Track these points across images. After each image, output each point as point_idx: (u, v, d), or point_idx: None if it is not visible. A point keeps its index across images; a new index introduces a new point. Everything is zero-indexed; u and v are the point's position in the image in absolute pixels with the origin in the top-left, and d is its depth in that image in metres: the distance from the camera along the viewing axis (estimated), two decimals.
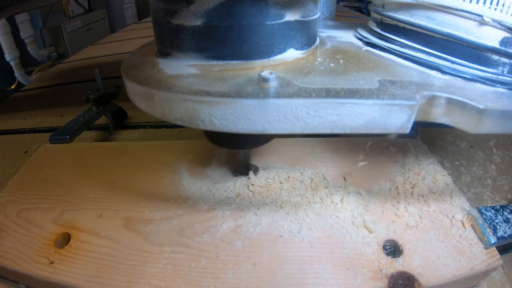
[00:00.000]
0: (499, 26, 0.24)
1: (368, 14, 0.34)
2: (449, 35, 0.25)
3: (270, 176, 0.38)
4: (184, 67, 0.26)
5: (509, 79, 0.25)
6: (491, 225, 0.30)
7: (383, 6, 0.29)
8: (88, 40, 1.63)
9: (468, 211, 0.33)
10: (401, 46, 0.28)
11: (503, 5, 0.23)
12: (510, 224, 0.30)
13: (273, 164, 0.41)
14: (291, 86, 0.23)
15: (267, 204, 0.35)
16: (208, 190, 0.37)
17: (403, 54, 0.28)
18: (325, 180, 0.37)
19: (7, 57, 1.39)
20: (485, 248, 0.30)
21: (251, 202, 0.35)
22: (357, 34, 0.33)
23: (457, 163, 0.47)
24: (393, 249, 0.30)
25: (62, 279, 0.29)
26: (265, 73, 0.23)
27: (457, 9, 0.24)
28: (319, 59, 0.28)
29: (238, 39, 0.25)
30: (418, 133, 0.45)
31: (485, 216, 0.31)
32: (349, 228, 0.32)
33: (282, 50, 0.26)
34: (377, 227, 0.32)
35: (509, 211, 0.32)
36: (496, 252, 0.29)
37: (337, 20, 0.43)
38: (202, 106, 0.22)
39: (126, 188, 0.38)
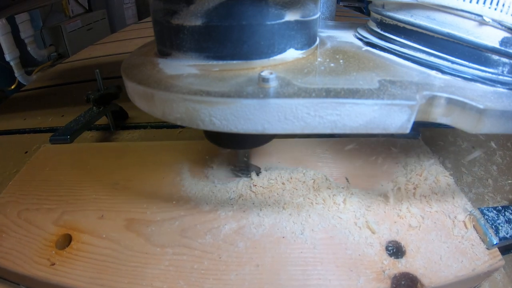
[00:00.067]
0: (499, 26, 0.24)
1: (368, 14, 0.34)
2: (449, 35, 0.25)
3: (272, 177, 0.38)
4: (184, 67, 0.26)
5: (509, 79, 0.25)
6: (493, 226, 0.30)
7: (383, 6, 0.29)
8: (88, 40, 1.63)
9: (470, 211, 0.33)
10: (401, 46, 0.28)
11: (503, 5, 0.23)
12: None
13: (275, 165, 0.41)
14: (291, 86, 0.23)
15: (269, 205, 0.35)
16: (210, 191, 0.37)
17: (403, 54, 0.28)
18: (328, 181, 0.37)
19: (7, 57, 1.39)
20: (487, 248, 0.30)
21: (253, 203, 0.35)
22: (357, 34, 0.33)
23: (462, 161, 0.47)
24: (395, 250, 0.30)
25: (63, 280, 0.29)
26: (265, 73, 0.23)
27: (457, 9, 0.24)
28: (319, 59, 0.28)
29: (238, 39, 0.25)
30: (420, 134, 0.45)
31: (487, 217, 0.31)
32: (351, 229, 0.32)
33: (282, 50, 0.26)
34: (380, 228, 0.32)
35: (511, 211, 0.32)
36: (498, 252, 0.29)
37: (337, 20, 0.43)
38: (202, 106, 0.22)
39: (127, 188, 0.38)
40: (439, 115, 0.24)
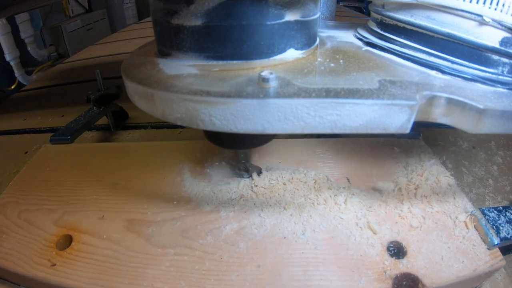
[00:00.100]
0: (499, 26, 0.24)
1: (368, 14, 0.34)
2: (449, 35, 0.25)
3: (273, 177, 0.38)
4: (184, 67, 0.26)
5: (509, 79, 0.25)
6: (494, 226, 0.30)
7: (383, 6, 0.29)
8: (88, 40, 1.63)
9: (471, 212, 0.33)
10: (401, 46, 0.28)
11: (503, 5, 0.23)
12: None
13: (276, 165, 0.40)
14: (291, 86, 0.23)
15: (270, 206, 0.35)
16: (211, 191, 0.37)
17: (403, 54, 0.28)
18: (329, 181, 0.37)
19: (7, 57, 1.39)
20: (488, 249, 0.30)
21: (254, 204, 0.35)
22: (357, 34, 0.33)
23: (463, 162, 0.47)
24: (397, 250, 0.30)
25: (64, 281, 0.29)
26: (265, 73, 0.23)
27: (457, 9, 0.24)
28: (319, 59, 0.28)
29: (238, 39, 0.25)
30: (421, 134, 0.45)
31: (488, 217, 0.31)
32: (353, 229, 0.32)
33: (282, 50, 0.26)
34: (381, 228, 0.32)
35: (511, 212, 0.32)
36: (499, 253, 0.29)
37: (337, 20, 0.43)
38: (202, 106, 0.22)
39: (128, 189, 0.38)
40: (439, 115, 0.24)
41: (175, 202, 0.36)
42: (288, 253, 0.30)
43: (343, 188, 0.37)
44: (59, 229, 0.34)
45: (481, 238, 0.30)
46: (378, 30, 0.30)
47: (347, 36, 0.34)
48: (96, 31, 2.07)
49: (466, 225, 0.32)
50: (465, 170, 0.46)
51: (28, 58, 1.58)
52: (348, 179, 0.38)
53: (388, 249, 0.30)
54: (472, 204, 0.34)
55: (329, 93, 0.22)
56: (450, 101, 0.23)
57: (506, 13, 0.23)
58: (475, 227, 0.31)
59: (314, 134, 0.46)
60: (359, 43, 0.32)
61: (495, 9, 0.23)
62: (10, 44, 1.36)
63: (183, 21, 0.25)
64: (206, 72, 0.25)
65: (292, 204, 0.35)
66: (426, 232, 0.31)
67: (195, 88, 0.23)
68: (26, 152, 0.56)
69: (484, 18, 0.24)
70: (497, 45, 0.24)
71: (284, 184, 0.37)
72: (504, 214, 0.31)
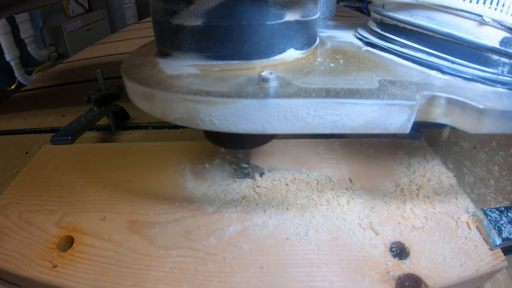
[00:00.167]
0: (499, 26, 0.24)
1: (368, 14, 0.34)
2: (449, 35, 0.25)
3: (276, 178, 0.37)
4: (184, 67, 0.26)
5: (509, 79, 0.25)
6: (496, 227, 0.30)
7: (383, 6, 0.29)
8: (88, 40, 1.63)
9: (473, 212, 0.33)
10: (401, 46, 0.28)
11: (503, 5, 0.23)
12: None
13: (279, 166, 0.40)
14: (291, 86, 0.23)
15: (273, 206, 0.35)
16: (213, 192, 0.37)
17: (403, 54, 0.28)
18: (331, 182, 0.37)
19: (7, 57, 1.38)
20: (490, 249, 0.30)
21: (257, 204, 0.35)
22: (357, 34, 0.33)
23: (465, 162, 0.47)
24: (399, 251, 0.30)
25: (65, 283, 0.29)
26: (265, 73, 0.23)
27: (457, 9, 0.24)
28: (319, 59, 0.28)
29: (238, 39, 0.25)
30: (423, 134, 0.45)
31: (490, 218, 0.31)
32: (355, 230, 0.32)
33: (282, 50, 0.26)
34: (384, 229, 0.32)
35: None
36: (501, 253, 0.29)
37: (337, 20, 0.43)
38: (202, 106, 0.22)
39: (129, 190, 0.38)
40: (439, 115, 0.24)
41: (177, 203, 0.36)
42: (291, 254, 0.30)
43: (346, 188, 0.36)
44: (60, 230, 0.33)
45: (483, 238, 0.30)
46: (378, 30, 0.30)
47: (347, 36, 0.34)
48: (96, 31, 2.07)
49: (468, 225, 0.32)
50: (467, 171, 0.46)
51: (28, 58, 1.59)
52: (350, 180, 0.38)
53: (390, 249, 0.30)
54: (473, 204, 0.34)
55: (329, 93, 0.22)
56: (450, 101, 0.23)
57: (506, 13, 0.23)
58: (477, 227, 0.31)
59: (315, 134, 0.46)
60: (359, 43, 0.32)
61: (495, 9, 0.23)
62: (10, 44, 1.36)
63: (183, 21, 0.25)
64: (206, 72, 0.25)
65: (294, 205, 0.35)
66: (428, 233, 0.31)
67: (195, 88, 0.23)
68: (27, 153, 0.56)
69: (484, 18, 0.24)
70: (497, 45, 0.24)
71: (287, 184, 0.37)
72: (506, 215, 0.31)
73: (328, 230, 0.32)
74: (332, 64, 0.27)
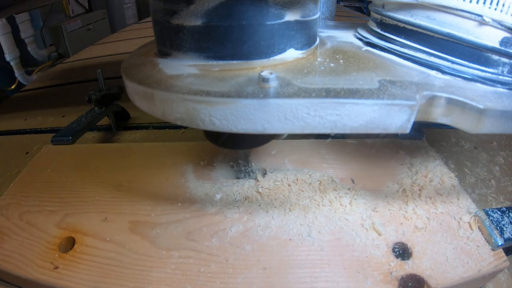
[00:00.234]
0: (499, 26, 0.24)
1: (368, 14, 0.34)
2: (449, 35, 0.25)
3: (278, 179, 0.37)
4: (184, 67, 0.26)
5: (509, 79, 0.25)
6: (498, 227, 0.30)
7: (383, 6, 0.29)
8: (88, 40, 1.63)
9: (475, 213, 0.33)
10: (401, 46, 0.28)
11: (503, 5, 0.23)
12: None
13: (281, 166, 0.40)
14: (291, 86, 0.23)
15: (276, 207, 0.35)
16: (215, 193, 0.37)
17: (403, 54, 0.28)
18: (334, 182, 0.37)
19: (7, 57, 1.39)
20: (492, 249, 0.30)
21: (259, 205, 0.35)
22: (357, 34, 0.33)
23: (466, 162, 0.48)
24: (402, 252, 0.30)
25: (67, 284, 0.29)
26: (265, 73, 0.23)
27: (457, 9, 0.24)
28: (319, 59, 0.28)
29: (238, 39, 0.25)
30: (424, 135, 0.45)
31: (492, 218, 0.31)
32: (358, 230, 0.32)
33: (282, 50, 0.26)
34: (386, 229, 0.32)
35: None
36: (503, 253, 0.29)
37: (337, 20, 0.43)
38: (202, 106, 0.22)
39: (131, 190, 0.38)
40: (439, 115, 0.24)
41: (179, 204, 0.36)
42: (294, 254, 0.30)
43: (348, 189, 0.36)
44: (62, 231, 0.33)
45: (485, 239, 0.30)
46: (378, 30, 0.30)
47: (347, 36, 0.34)
48: (96, 31, 2.08)
49: (470, 226, 0.32)
50: (468, 171, 0.46)
51: (28, 58, 1.59)
52: (352, 180, 0.38)
53: (393, 250, 0.30)
54: (475, 205, 0.34)
55: (329, 93, 0.22)
56: (450, 101, 0.23)
57: (506, 13, 0.23)
58: (479, 228, 0.31)
59: (316, 134, 0.46)
60: (359, 43, 0.32)
61: (495, 9, 0.23)
62: (10, 44, 1.37)
63: (183, 21, 0.25)
64: (206, 72, 0.25)
65: (297, 205, 0.34)
66: (431, 233, 0.31)
67: (195, 88, 0.23)
68: (27, 153, 0.56)
69: (484, 18, 0.24)
70: (497, 45, 0.24)
71: (289, 185, 0.37)
72: (507, 215, 0.31)
73: (331, 231, 0.32)
74: (332, 64, 0.27)
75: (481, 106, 0.22)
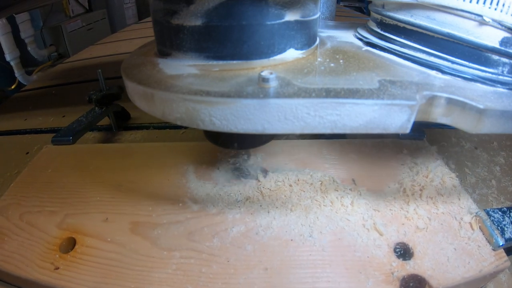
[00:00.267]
0: (499, 26, 0.24)
1: (368, 14, 0.34)
2: (449, 35, 0.25)
3: (279, 179, 0.37)
4: (184, 67, 0.26)
5: (509, 79, 0.25)
6: (499, 227, 0.30)
7: (383, 6, 0.29)
8: (88, 40, 1.63)
9: (476, 213, 0.33)
10: (401, 46, 0.28)
11: (503, 5, 0.23)
12: None
13: (282, 167, 0.40)
14: (291, 86, 0.23)
15: (277, 207, 0.34)
16: (216, 193, 0.37)
17: (403, 54, 0.28)
18: (335, 182, 0.37)
19: (7, 57, 1.39)
20: (493, 250, 0.30)
21: (261, 205, 0.35)
22: (357, 34, 0.33)
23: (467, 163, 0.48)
24: (403, 252, 0.30)
25: (68, 285, 0.28)
26: (265, 73, 0.23)
27: (457, 9, 0.24)
28: (319, 59, 0.28)
29: (238, 39, 0.25)
30: (425, 135, 0.45)
31: (493, 218, 0.31)
32: (360, 231, 0.32)
33: (282, 50, 0.26)
34: (388, 229, 0.32)
35: None
36: (504, 253, 0.29)
37: (337, 20, 0.43)
38: (202, 106, 0.22)
39: (132, 191, 0.38)
40: (439, 115, 0.24)
41: (180, 204, 0.36)
42: (296, 255, 0.30)
43: (349, 189, 0.36)
44: (62, 231, 0.33)
45: (486, 239, 0.30)
46: (378, 30, 0.30)
47: (347, 36, 0.34)
48: (96, 31, 2.08)
49: (471, 226, 0.32)
50: (468, 171, 0.46)
51: (28, 58, 1.59)
52: (353, 181, 0.38)
53: (394, 250, 0.30)
54: (476, 205, 0.34)
55: (329, 93, 0.22)
56: (450, 101, 0.23)
57: (506, 13, 0.23)
58: (480, 228, 0.31)
59: (318, 134, 0.46)
60: (359, 43, 0.32)
61: (495, 9, 0.23)
62: (10, 44, 1.37)
63: (183, 21, 0.25)
64: (206, 72, 0.25)
65: (298, 205, 0.34)
66: (432, 233, 0.31)
67: (195, 88, 0.23)
68: (27, 153, 0.56)
69: (484, 18, 0.24)
70: (497, 45, 0.24)
71: (290, 185, 0.37)
72: (508, 215, 0.31)
73: (332, 231, 0.32)
74: (332, 64, 0.27)
75: (481, 106, 0.22)
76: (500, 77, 0.25)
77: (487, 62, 0.25)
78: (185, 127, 0.59)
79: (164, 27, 0.26)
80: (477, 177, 0.45)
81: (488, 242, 0.30)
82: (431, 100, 0.23)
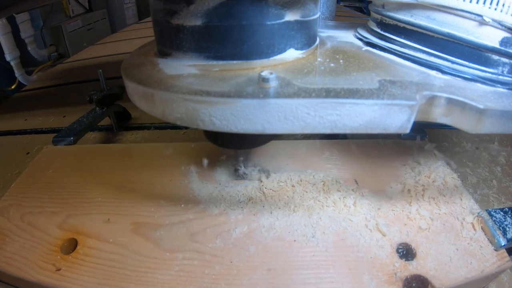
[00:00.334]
0: (499, 26, 0.24)
1: (368, 14, 0.34)
2: (449, 35, 0.25)
3: (282, 180, 0.37)
4: (184, 67, 0.26)
5: (509, 79, 0.25)
6: (500, 227, 0.30)
7: (383, 6, 0.29)
8: (88, 40, 1.63)
9: (477, 213, 0.33)
10: (401, 46, 0.28)
11: (503, 5, 0.23)
12: None
13: (285, 167, 0.40)
14: (291, 86, 0.23)
15: (280, 208, 0.34)
16: (219, 194, 0.36)
17: (403, 54, 0.28)
18: (337, 183, 0.37)
19: (8, 57, 1.39)
20: (495, 250, 0.30)
21: (263, 206, 0.35)
22: (357, 34, 0.33)
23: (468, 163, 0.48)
24: (406, 252, 0.30)
25: (70, 286, 0.28)
26: (265, 73, 0.23)
27: (457, 9, 0.24)
28: (319, 59, 0.28)
29: (238, 39, 0.25)
30: (427, 135, 0.45)
31: (495, 218, 0.31)
32: (362, 231, 0.32)
33: (282, 50, 0.26)
34: (390, 230, 0.32)
35: None
36: (506, 254, 0.29)
37: (337, 20, 0.43)
38: (202, 106, 0.22)
39: (133, 191, 0.38)
40: (439, 115, 0.24)
41: (182, 205, 0.35)
42: (299, 255, 0.30)
43: (352, 190, 0.36)
44: (64, 232, 0.33)
45: (488, 239, 0.30)
46: (378, 30, 0.30)
47: (347, 36, 0.34)
48: (96, 31, 2.08)
49: (473, 226, 0.32)
50: (469, 171, 0.46)
51: (28, 58, 1.59)
52: (356, 181, 0.38)
53: (397, 251, 0.30)
54: (477, 205, 0.34)
55: (329, 93, 0.22)
56: (450, 101, 0.23)
57: (506, 13, 0.23)
58: (482, 228, 0.31)
59: (319, 135, 0.46)
60: (359, 43, 0.32)
61: (495, 9, 0.23)
62: (10, 44, 1.37)
63: (183, 21, 0.25)
64: (206, 72, 0.25)
65: (301, 206, 0.34)
66: (434, 234, 0.31)
67: (195, 88, 0.23)
68: (28, 153, 0.56)
69: (484, 18, 0.24)
70: (497, 45, 0.24)
71: (293, 186, 0.37)
72: (510, 215, 0.31)
73: (335, 232, 0.32)
74: (332, 64, 0.27)
75: (481, 106, 0.22)
76: (500, 77, 0.25)
77: (487, 62, 0.25)
78: (186, 127, 0.59)
79: (164, 27, 0.26)
80: (478, 177, 0.45)
81: (490, 242, 0.30)
82: (431, 100, 0.23)
